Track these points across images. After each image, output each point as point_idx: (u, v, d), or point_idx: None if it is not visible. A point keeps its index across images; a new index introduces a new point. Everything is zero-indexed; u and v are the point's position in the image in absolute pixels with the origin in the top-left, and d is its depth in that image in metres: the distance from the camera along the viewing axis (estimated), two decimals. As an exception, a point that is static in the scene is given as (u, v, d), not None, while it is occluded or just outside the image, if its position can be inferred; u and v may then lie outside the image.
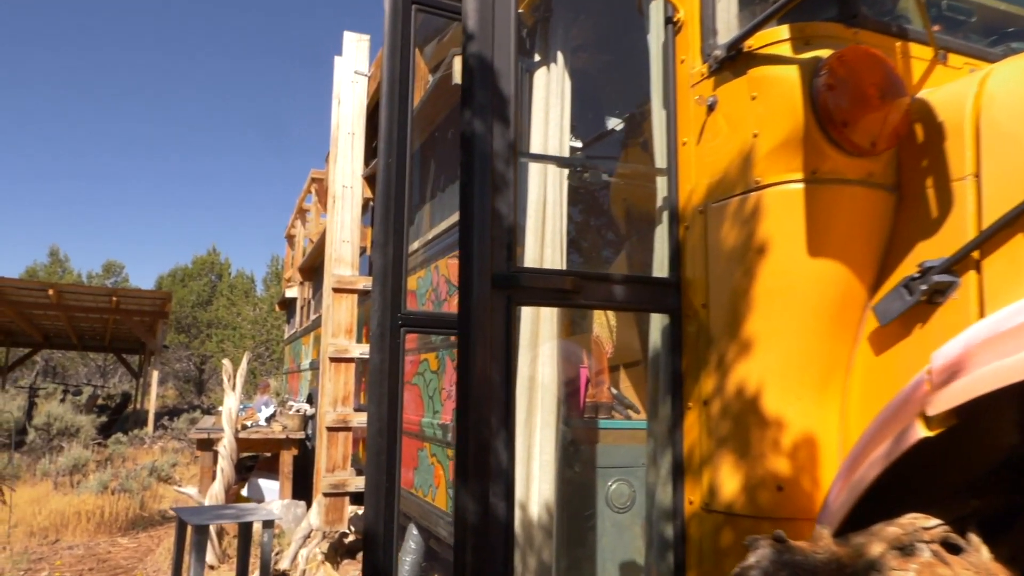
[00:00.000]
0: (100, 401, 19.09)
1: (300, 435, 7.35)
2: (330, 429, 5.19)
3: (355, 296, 5.41)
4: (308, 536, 5.36)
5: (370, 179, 5.32)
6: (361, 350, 5.33)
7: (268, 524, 3.65)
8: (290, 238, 12.80)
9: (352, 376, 5.33)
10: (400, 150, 2.87)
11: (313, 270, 9.18)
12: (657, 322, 2.15)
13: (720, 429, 1.89)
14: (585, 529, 3.06)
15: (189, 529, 3.51)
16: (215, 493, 6.51)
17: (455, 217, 3.87)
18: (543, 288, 1.88)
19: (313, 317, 8.97)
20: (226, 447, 6.79)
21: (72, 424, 10.44)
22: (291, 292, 10.85)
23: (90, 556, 6.30)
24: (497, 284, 1.79)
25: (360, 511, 5.85)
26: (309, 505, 7.43)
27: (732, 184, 1.91)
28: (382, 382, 2.72)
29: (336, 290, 5.34)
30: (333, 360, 5.28)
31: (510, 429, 1.81)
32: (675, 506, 1.99)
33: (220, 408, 7.97)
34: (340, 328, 5.32)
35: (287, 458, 7.28)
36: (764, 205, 1.83)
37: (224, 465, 6.69)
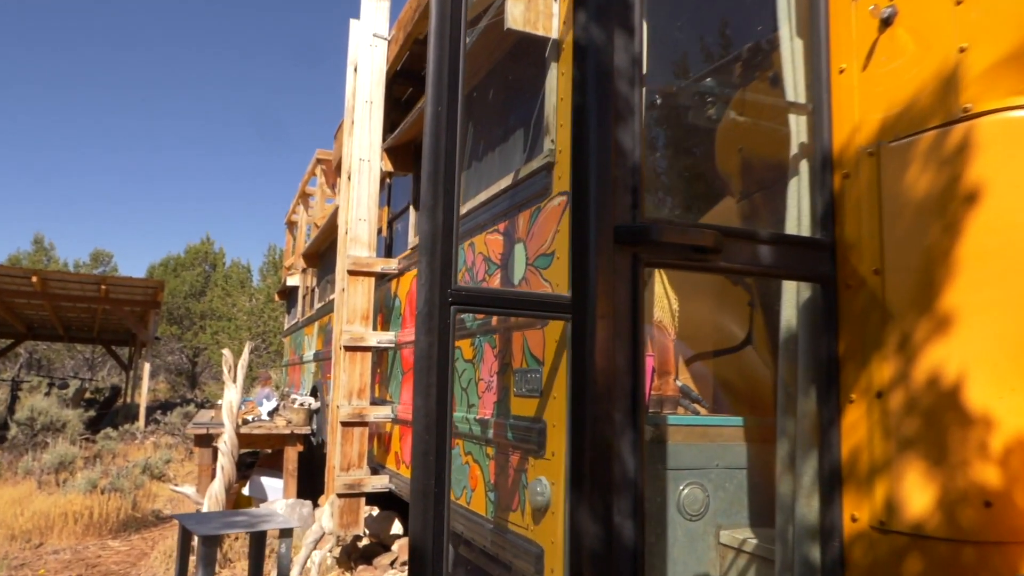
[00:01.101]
0: (88, 395, 18.54)
1: (306, 430, 6.89)
2: (345, 424, 4.74)
3: (371, 280, 4.95)
4: (319, 540, 4.91)
5: (391, 151, 4.86)
6: (378, 338, 4.87)
7: (286, 533, 3.20)
8: (291, 224, 12.30)
9: (368, 367, 4.88)
10: (452, 96, 2.42)
11: (318, 256, 8.71)
12: (791, 295, 1.72)
13: (904, 429, 1.46)
14: (653, 539, 2.62)
15: (193, 539, 3.06)
16: (215, 493, 6.05)
17: (496, 186, 3.42)
18: (678, 245, 1.43)
19: (318, 306, 8.50)
20: (227, 443, 6.32)
21: (58, 419, 9.92)
22: (292, 280, 10.37)
23: (78, 561, 5.82)
24: (622, 239, 1.36)
25: (376, 512, 5.40)
26: (315, 504, 6.98)
27: (923, 116, 1.47)
28: (429, 370, 2.28)
29: (352, 273, 4.88)
30: (348, 349, 4.82)
31: (638, 428, 1.37)
32: (828, 523, 1.56)
33: (218, 402, 7.50)
34: (356, 314, 4.86)
35: (292, 455, 6.82)
36: (977, 138, 1.39)
37: (224, 462, 6.23)
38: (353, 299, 4.87)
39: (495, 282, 3.35)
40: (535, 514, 2.74)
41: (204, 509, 5.98)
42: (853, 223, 1.54)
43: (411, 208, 4.84)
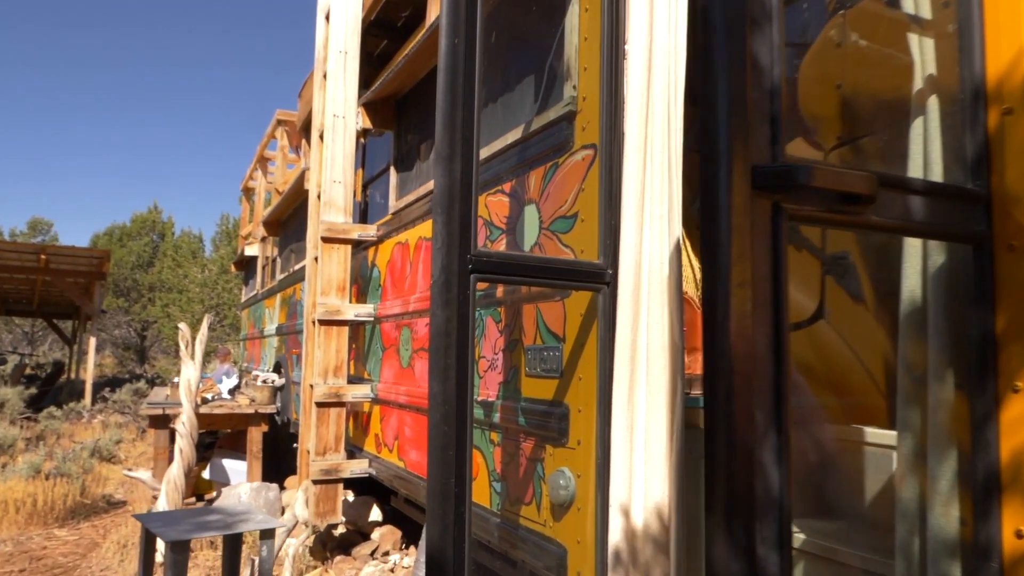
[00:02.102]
0: (28, 371, 17.56)
1: (271, 409, 6.47)
2: (320, 405, 4.36)
3: (348, 247, 4.54)
4: (292, 529, 4.54)
5: (369, 107, 4.42)
6: (356, 311, 4.48)
7: (267, 534, 2.82)
8: (247, 191, 11.66)
9: (345, 342, 4.49)
10: (470, 25, 2.05)
11: (280, 224, 8.19)
12: (914, 259, 1.43)
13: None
14: (697, 540, 2.34)
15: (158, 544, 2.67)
16: (173, 477, 5.61)
17: (500, 141, 3.06)
18: (828, 192, 1.09)
19: (281, 277, 8.01)
20: (185, 424, 5.87)
21: (-3, 396, 9.23)
22: (251, 250, 9.80)
23: (21, 554, 5.34)
24: (760, 184, 1.03)
25: (351, 497, 5.05)
26: (282, 487, 6.59)
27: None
28: (447, 349, 1.94)
29: (326, 240, 4.46)
30: (323, 323, 4.42)
31: (784, 431, 1.06)
32: (982, 538, 1.28)
33: (173, 379, 7.01)
34: (331, 285, 4.46)
35: (256, 435, 6.40)
36: None
37: (183, 445, 5.78)
38: (328, 268, 4.46)
39: (500, 249, 3.00)
40: (556, 510, 2.43)
41: (161, 495, 5.55)
42: (1018, 171, 1.24)
43: (391, 170, 4.43)
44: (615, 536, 2.15)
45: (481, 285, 2.47)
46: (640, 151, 2.26)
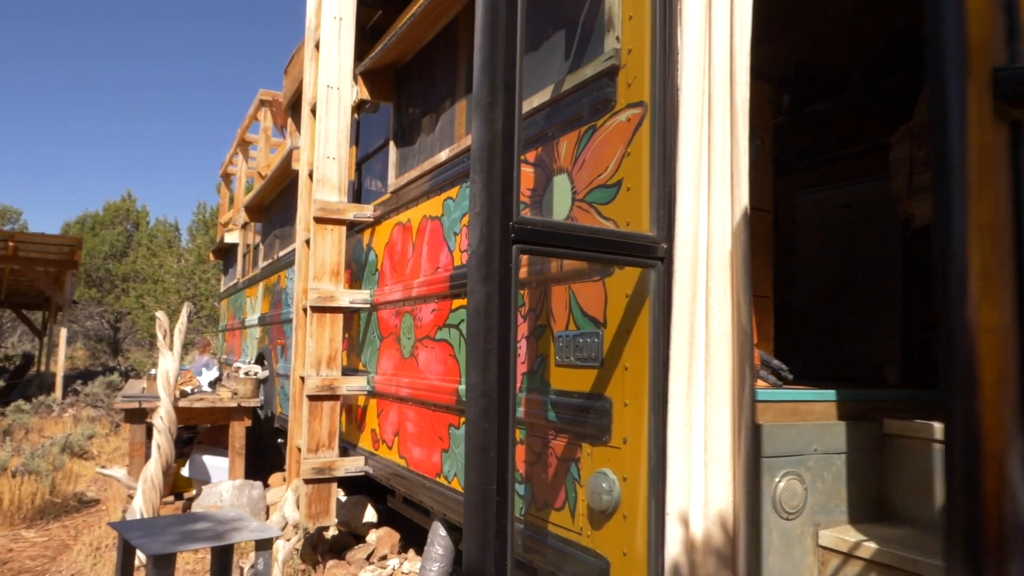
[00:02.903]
0: (-3, 362, 16.92)
1: (255, 403, 6.12)
2: (312, 398, 4.04)
3: (343, 229, 4.21)
4: (282, 532, 4.21)
5: (367, 76, 4.09)
6: (351, 298, 4.16)
7: (263, 544, 2.50)
8: (227, 177, 11.22)
9: (339, 331, 4.16)
10: (509, -45, 1.77)
11: (263, 209, 7.81)
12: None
13: None
14: (749, 544, 2.07)
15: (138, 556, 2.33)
16: (150, 475, 5.25)
17: (547, 91, 2.76)
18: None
19: (264, 264, 7.63)
20: (163, 419, 5.51)
21: (-39, 389, 8.74)
22: (231, 237, 9.39)
23: (-15, 558, 4.95)
24: (1006, 92, 0.73)
25: (342, 496, 4.73)
26: (266, 484, 6.25)
27: None
28: (488, 333, 1.65)
29: (319, 220, 4.13)
30: (316, 310, 4.09)
31: None
32: None
33: (150, 371, 6.62)
34: (324, 269, 4.13)
35: (239, 430, 6.04)
36: None
37: (161, 441, 5.42)
38: (321, 251, 4.13)
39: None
40: (595, 517, 2.15)
41: (138, 494, 5.19)
42: None
43: (390, 145, 4.11)
44: (673, 548, 1.88)
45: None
46: (699, 108, 1.98)
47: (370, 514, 4.48)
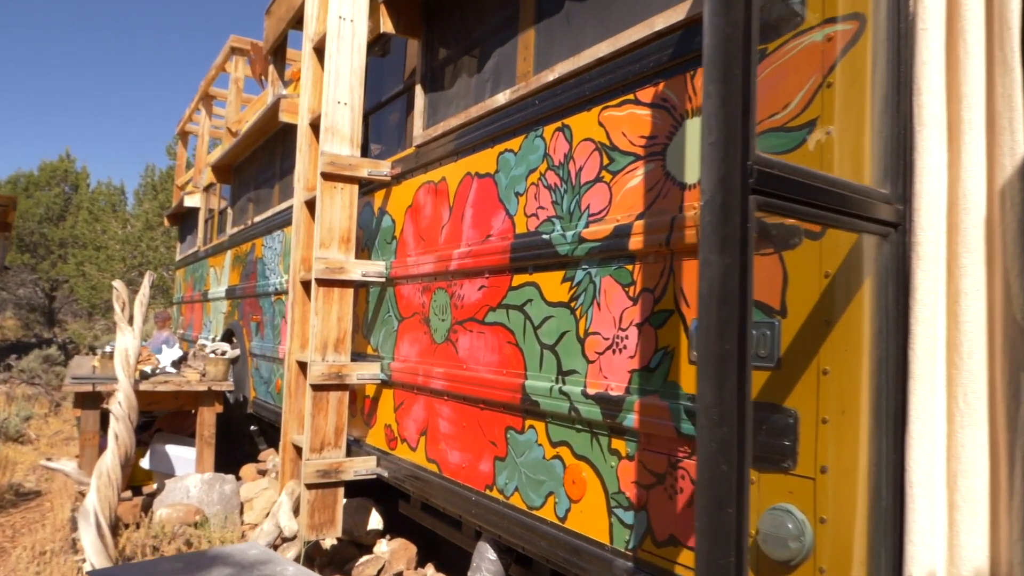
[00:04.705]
0: (-83, 331, 15.48)
1: (226, 386, 5.42)
2: (317, 388, 3.41)
3: (354, 188, 3.57)
4: (275, 543, 3.59)
5: (391, 4, 3.41)
6: (364, 270, 3.52)
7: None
8: (185, 135, 10.26)
9: (349, 307, 3.54)
10: None
11: (233, 170, 7.01)
12: None
13: None
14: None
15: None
16: (107, 469, 4.54)
17: (633, 32, 2.18)
18: None
19: (233, 231, 6.85)
20: (122, 404, 4.78)
21: None
22: (191, 201, 8.52)
23: (-95, 568, 4.18)
24: None
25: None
26: (238, 477, 5.57)
27: None
28: (726, 327, 1.09)
29: (328, 177, 3.47)
30: (323, 283, 3.45)
31: None
32: None
33: (105, 348, 5.83)
34: (333, 235, 3.48)
35: (208, 417, 5.34)
36: None
37: (119, 429, 4.70)
38: (329, 214, 3.48)
39: (623, 185, 2.14)
40: (769, 567, 1.62)
41: (91, 491, 4.46)
42: None
43: (417, 90, 3.46)
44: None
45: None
46: (948, 20, 1.45)
47: (375, 520, 3.89)
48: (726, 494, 1.07)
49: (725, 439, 1.07)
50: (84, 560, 4.42)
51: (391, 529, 3.95)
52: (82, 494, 5.17)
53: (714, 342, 1.06)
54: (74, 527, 4.85)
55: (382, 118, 4.11)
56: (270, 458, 6.04)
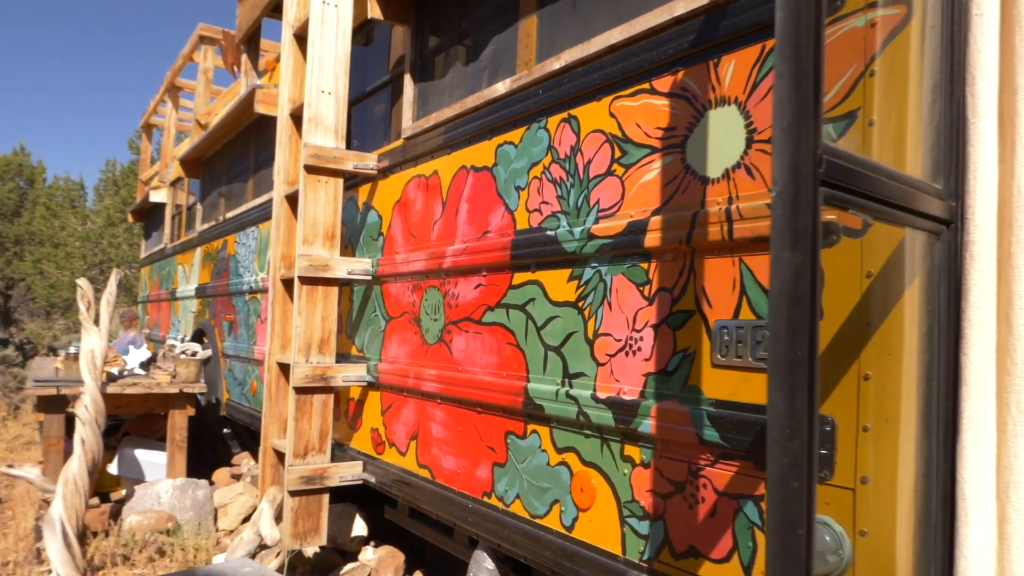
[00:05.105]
0: None
1: (198, 388, 5.21)
2: (301, 391, 3.26)
3: (339, 181, 3.42)
4: (254, 553, 3.43)
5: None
6: (350, 267, 3.38)
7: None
8: (149, 128, 9.92)
9: (334, 306, 3.39)
10: None
11: (203, 164, 6.76)
12: None
13: None
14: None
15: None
16: (73, 476, 4.34)
17: (652, 16, 2.08)
18: None
19: (203, 227, 6.61)
20: (89, 408, 4.56)
21: None
22: (157, 196, 8.22)
23: None
24: None
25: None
26: (211, 482, 5.37)
27: None
28: (797, 330, 1.00)
29: (312, 170, 3.32)
30: (306, 281, 3.29)
31: None
32: None
33: (69, 349, 5.57)
34: (316, 230, 3.33)
35: (180, 420, 5.13)
36: None
37: (86, 434, 4.49)
38: (313, 209, 3.33)
39: (637, 179, 2.04)
40: (804, 581, 1.53)
41: (57, 499, 4.25)
42: None
43: (406, 79, 3.32)
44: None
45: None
46: (1001, 7, 1.37)
47: (359, 526, 3.74)
48: (797, 514, 0.98)
49: (797, 454, 0.97)
50: (50, 571, 4.20)
51: (375, 535, 3.82)
52: (47, 502, 4.93)
53: (786, 348, 0.97)
54: (38, 537, 4.61)
55: (364, 110, 3.96)
56: (244, 462, 5.84)
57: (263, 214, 5.04)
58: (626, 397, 1.99)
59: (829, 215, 1.49)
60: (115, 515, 4.84)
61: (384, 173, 3.43)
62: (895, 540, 1.42)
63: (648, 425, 1.91)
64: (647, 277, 1.98)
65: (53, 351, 11.90)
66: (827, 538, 1.47)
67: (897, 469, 1.42)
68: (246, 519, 4.85)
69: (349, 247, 3.70)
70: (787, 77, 0.99)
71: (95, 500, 5.17)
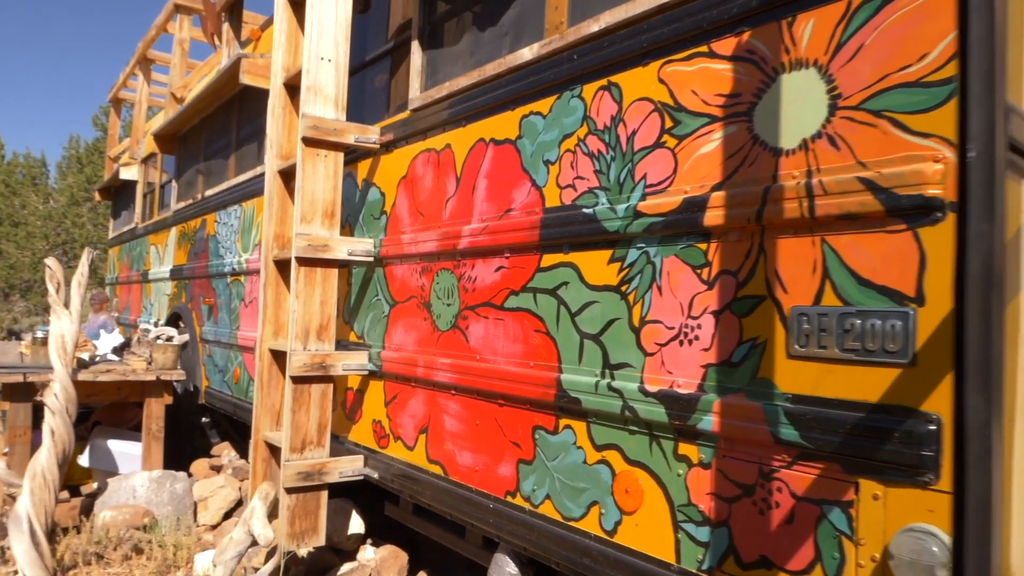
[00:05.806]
0: None
1: (176, 375, 4.93)
2: (298, 380, 3.03)
3: (339, 156, 3.18)
4: (243, 553, 3.20)
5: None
6: (350, 248, 3.15)
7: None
8: (118, 102, 9.47)
9: (334, 290, 3.16)
10: None
11: (178, 139, 6.42)
12: None
13: None
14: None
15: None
16: (42, 469, 4.05)
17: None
18: None
19: (179, 206, 6.28)
20: (59, 397, 4.27)
21: None
22: (127, 173, 7.83)
23: None
24: None
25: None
26: (189, 474, 5.10)
27: None
28: (995, 300, 0.82)
29: (311, 143, 3.08)
30: (304, 263, 3.06)
31: None
32: None
33: (37, 333, 5.25)
34: (315, 208, 3.09)
35: (157, 409, 4.85)
36: None
37: (56, 424, 4.20)
38: (312, 185, 3.09)
39: (693, 151, 1.86)
40: (903, 597, 1.38)
41: (24, 493, 3.96)
42: None
43: (414, 46, 3.09)
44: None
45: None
46: None
47: (355, 523, 3.54)
48: (987, 529, 0.81)
49: (985, 418, 0.81)
50: (15, 572, 3.92)
51: (373, 533, 3.62)
52: (12, 497, 4.62)
53: (988, 342, 0.79)
54: (3, 534, 4.32)
55: (361, 81, 3.71)
56: (224, 452, 5.58)
57: (247, 191, 4.76)
58: (681, 390, 1.82)
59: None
60: (87, 510, 4.57)
61: (387, 147, 3.20)
62: (1011, 551, 1.27)
63: (709, 421, 1.74)
64: (706, 259, 1.80)
65: (14, 334, 11.39)
66: (935, 549, 1.32)
67: (1013, 474, 1.27)
68: (228, 514, 4.61)
69: (347, 226, 3.47)
70: (985, 17, 0.81)
71: (65, 494, 4.87)
